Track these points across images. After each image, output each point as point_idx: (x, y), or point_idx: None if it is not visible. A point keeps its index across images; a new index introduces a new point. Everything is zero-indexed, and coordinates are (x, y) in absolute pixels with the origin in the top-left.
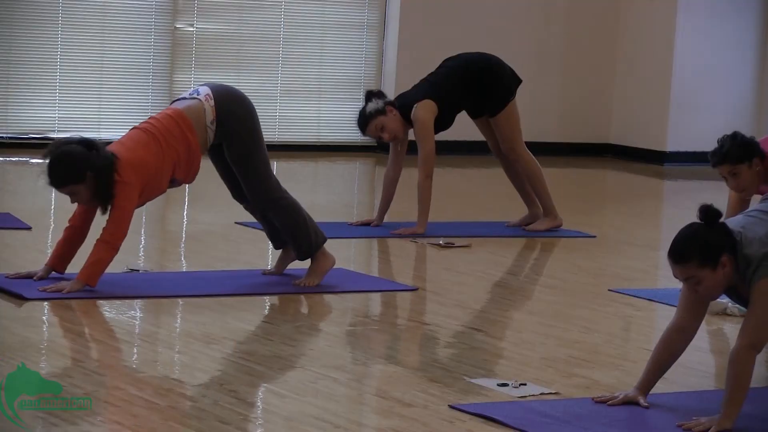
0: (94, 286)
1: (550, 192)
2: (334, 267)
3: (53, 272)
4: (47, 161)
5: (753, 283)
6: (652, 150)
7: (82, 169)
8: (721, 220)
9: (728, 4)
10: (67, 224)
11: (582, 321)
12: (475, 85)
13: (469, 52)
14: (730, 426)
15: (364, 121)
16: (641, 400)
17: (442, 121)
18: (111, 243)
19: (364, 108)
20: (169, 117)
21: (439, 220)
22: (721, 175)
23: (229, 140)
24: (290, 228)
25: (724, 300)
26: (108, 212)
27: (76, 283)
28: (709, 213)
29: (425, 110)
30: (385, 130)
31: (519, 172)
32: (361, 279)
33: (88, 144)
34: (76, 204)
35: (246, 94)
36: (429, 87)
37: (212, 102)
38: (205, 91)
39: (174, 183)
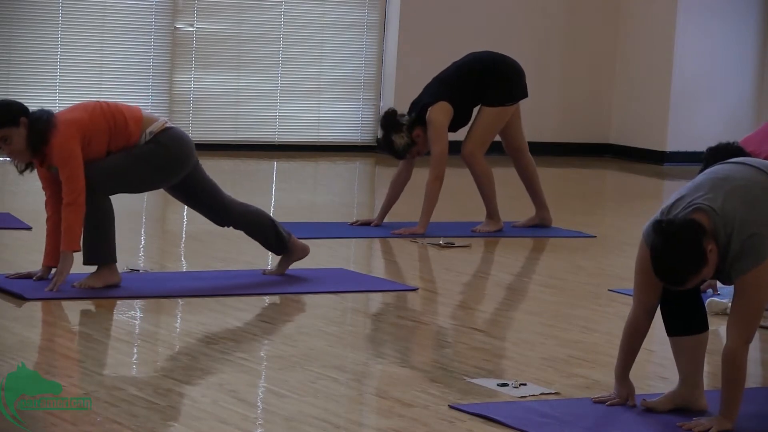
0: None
1: (549, 192)
2: (335, 267)
3: (53, 268)
4: None
5: (736, 277)
6: (652, 150)
7: (17, 113)
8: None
9: (728, 4)
10: (46, 217)
11: (582, 321)
12: (489, 76)
13: (496, 52)
14: (730, 426)
15: (398, 156)
16: (628, 402)
17: (459, 119)
18: (73, 203)
19: (392, 142)
20: (126, 104)
21: (439, 220)
22: None
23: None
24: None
25: (724, 300)
26: (34, 156)
27: (65, 258)
28: (666, 227)
29: (439, 113)
30: (420, 152)
31: (527, 171)
32: (361, 279)
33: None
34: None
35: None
36: (441, 87)
37: (167, 125)
38: (168, 120)
39: None
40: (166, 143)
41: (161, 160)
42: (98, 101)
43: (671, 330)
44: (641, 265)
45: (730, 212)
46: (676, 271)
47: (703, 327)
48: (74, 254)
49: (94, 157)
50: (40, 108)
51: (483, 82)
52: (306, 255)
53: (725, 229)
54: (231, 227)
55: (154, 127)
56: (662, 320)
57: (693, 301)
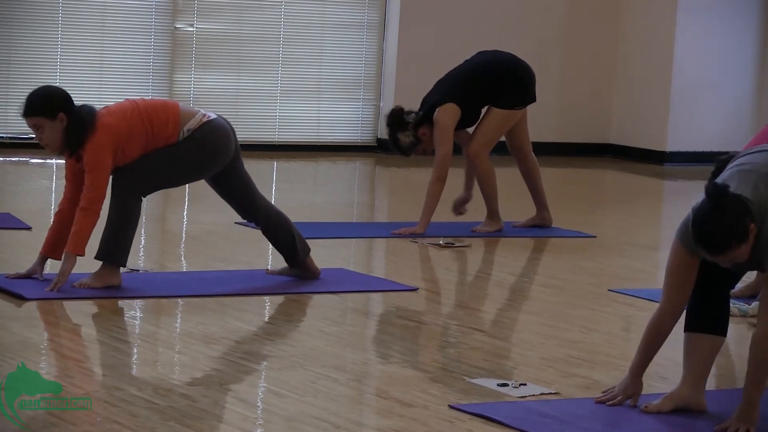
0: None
1: (549, 192)
2: (334, 267)
3: (50, 260)
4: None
5: (766, 262)
6: (652, 150)
7: (57, 107)
8: None
9: (728, 4)
10: (57, 209)
11: (582, 321)
12: (505, 79)
13: (509, 53)
14: (756, 410)
15: (404, 154)
16: (630, 401)
17: (467, 118)
18: (89, 208)
19: (397, 140)
20: (163, 100)
21: (439, 220)
22: None
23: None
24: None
25: None
26: (69, 157)
27: (68, 258)
28: (719, 191)
29: (445, 115)
30: (426, 151)
31: (532, 172)
32: (361, 279)
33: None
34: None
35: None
36: (452, 86)
37: (206, 118)
38: (209, 113)
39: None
40: (202, 139)
41: (196, 156)
42: (136, 102)
43: (690, 325)
44: (674, 264)
45: (759, 201)
46: (719, 235)
47: (722, 331)
48: (77, 258)
49: (129, 160)
50: (86, 105)
51: (497, 84)
52: (315, 278)
53: (759, 217)
54: (254, 225)
55: (191, 124)
56: (685, 314)
57: (720, 302)
